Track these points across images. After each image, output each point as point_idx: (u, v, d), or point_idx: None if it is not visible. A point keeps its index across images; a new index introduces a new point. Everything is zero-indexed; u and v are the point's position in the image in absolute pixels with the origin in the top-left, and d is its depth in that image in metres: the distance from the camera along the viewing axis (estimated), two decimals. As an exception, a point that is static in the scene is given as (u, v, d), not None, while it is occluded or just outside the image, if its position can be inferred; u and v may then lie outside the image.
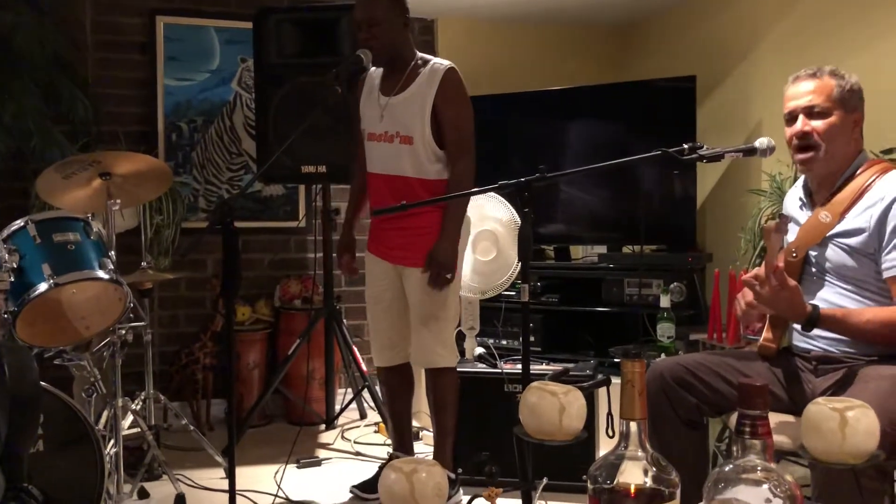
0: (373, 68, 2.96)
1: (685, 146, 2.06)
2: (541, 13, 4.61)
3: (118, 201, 2.89)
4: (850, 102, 2.15)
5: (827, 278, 2.18)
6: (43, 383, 2.37)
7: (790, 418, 2.10)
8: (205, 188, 4.26)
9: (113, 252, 2.75)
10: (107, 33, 4.09)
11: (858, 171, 2.15)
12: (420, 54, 2.93)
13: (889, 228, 2.04)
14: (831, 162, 2.16)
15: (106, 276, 2.60)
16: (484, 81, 4.12)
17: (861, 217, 2.09)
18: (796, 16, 3.61)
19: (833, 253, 2.15)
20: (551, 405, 1.30)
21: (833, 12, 3.41)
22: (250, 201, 4.34)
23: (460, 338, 3.24)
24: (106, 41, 4.09)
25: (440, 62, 2.88)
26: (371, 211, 2.96)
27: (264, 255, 4.39)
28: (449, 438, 2.93)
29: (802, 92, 2.17)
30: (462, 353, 3.29)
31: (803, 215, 2.27)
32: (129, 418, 3.06)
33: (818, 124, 2.14)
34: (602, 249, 4.19)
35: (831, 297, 2.15)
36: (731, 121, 3.97)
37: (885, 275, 2.05)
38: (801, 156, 2.17)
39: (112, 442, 2.82)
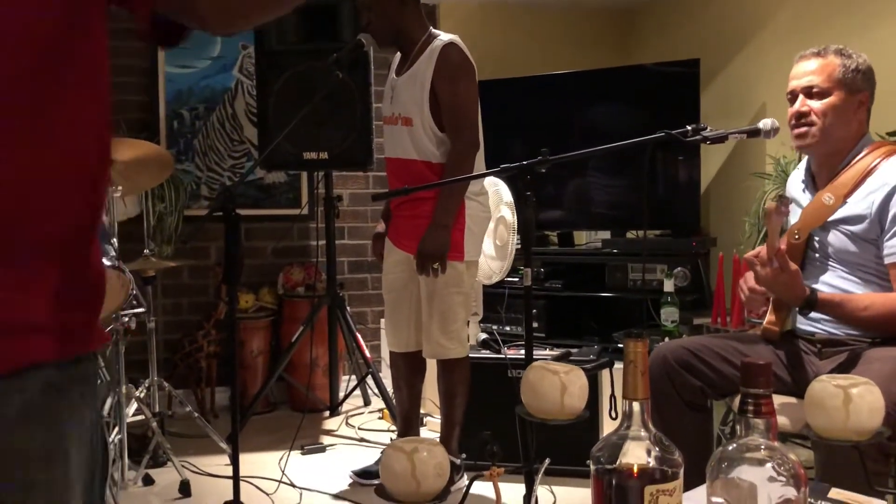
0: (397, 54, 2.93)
1: (689, 128, 2.04)
2: (543, -2, 4.59)
3: (120, 188, 2.89)
4: (854, 83, 2.13)
5: (829, 262, 2.17)
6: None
7: (793, 400, 2.09)
8: (207, 176, 4.26)
9: (115, 239, 2.75)
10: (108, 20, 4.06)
11: (862, 154, 2.14)
12: (434, 31, 2.85)
13: (890, 215, 2.03)
14: (828, 141, 2.15)
15: (108, 263, 2.60)
16: (487, 66, 4.09)
17: (863, 202, 2.08)
18: (800, -2, 3.58)
19: (835, 238, 2.14)
20: (553, 384, 1.29)
21: (838, -6, 3.38)
22: (252, 189, 4.33)
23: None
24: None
25: (443, 38, 2.79)
26: (372, 196, 2.94)
27: (267, 243, 4.39)
28: (455, 429, 2.92)
29: (803, 72, 2.17)
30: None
31: (805, 197, 2.26)
32: (134, 405, 3.06)
33: (816, 104, 2.14)
34: (606, 235, 4.17)
35: (833, 280, 2.14)
36: (735, 104, 3.95)
37: (887, 260, 2.04)
38: (797, 130, 2.16)
39: (116, 429, 2.83)
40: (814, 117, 2.13)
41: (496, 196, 3.32)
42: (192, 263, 4.12)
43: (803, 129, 2.15)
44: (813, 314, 2.14)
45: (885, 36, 3.13)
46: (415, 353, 2.98)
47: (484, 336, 3.41)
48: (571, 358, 3.07)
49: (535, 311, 2.67)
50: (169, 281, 4.17)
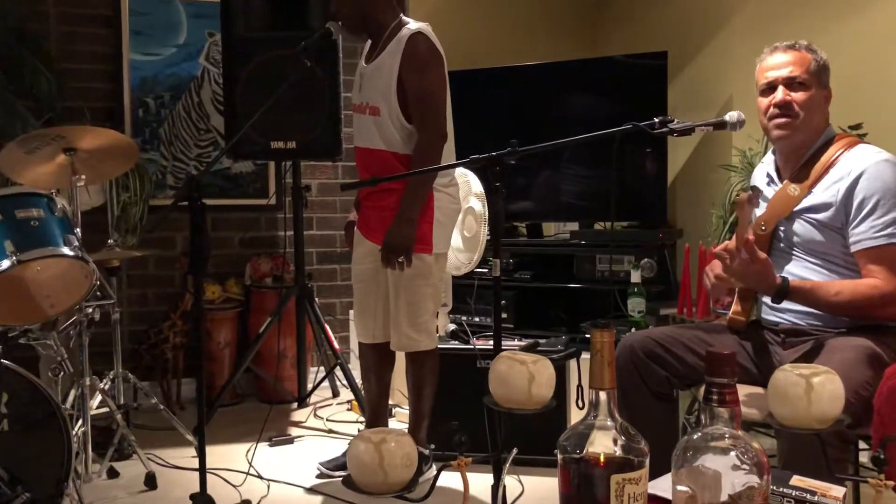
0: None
1: (656, 120, 2.05)
2: (513, -12, 4.59)
3: (83, 177, 2.83)
4: (822, 78, 2.18)
5: (795, 252, 2.20)
6: (7, 363, 2.34)
7: (759, 390, 2.12)
8: (172, 165, 4.20)
9: (78, 229, 2.70)
10: (70, 6, 3.98)
11: (825, 146, 2.17)
12: (404, 19, 2.81)
13: (856, 203, 2.06)
14: (806, 133, 2.18)
15: (71, 253, 2.56)
16: (456, 56, 4.08)
17: (829, 191, 2.11)
18: (767, -8, 3.62)
19: (801, 227, 2.17)
20: (520, 374, 1.30)
21: (803, -12, 3.43)
22: (219, 178, 4.28)
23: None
24: (70, 14, 3.99)
25: (411, 27, 2.75)
26: (340, 186, 2.91)
27: (234, 233, 4.35)
28: (424, 420, 2.92)
29: (781, 63, 2.18)
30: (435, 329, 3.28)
31: (771, 190, 2.28)
32: (98, 398, 3.02)
33: (798, 95, 2.15)
34: (574, 226, 4.20)
35: (799, 270, 2.17)
36: (702, 97, 3.99)
37: (853, 248, 2.07)
38: (780, 121, 2.16)
39: (80, 422, 2.79)
40: (797, 108, 2.15)
41: (465, 187, 3.31)
42: (157, 253, 4.07)
43: (785, 119, 2.16)
44: (779, 304, 2.17)
45: (851, 30, 3.18)
46: (383, 344, 2.97)
47: (453, 327, 3.41)
48: (539, 348, 3.09)
49: (503, 301, 2.68)
50: (134, 271, 4.11)
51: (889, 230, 2.02)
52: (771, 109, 2.18)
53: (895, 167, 2.07)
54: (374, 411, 3.08)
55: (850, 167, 2.09)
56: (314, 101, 3.50)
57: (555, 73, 4.17)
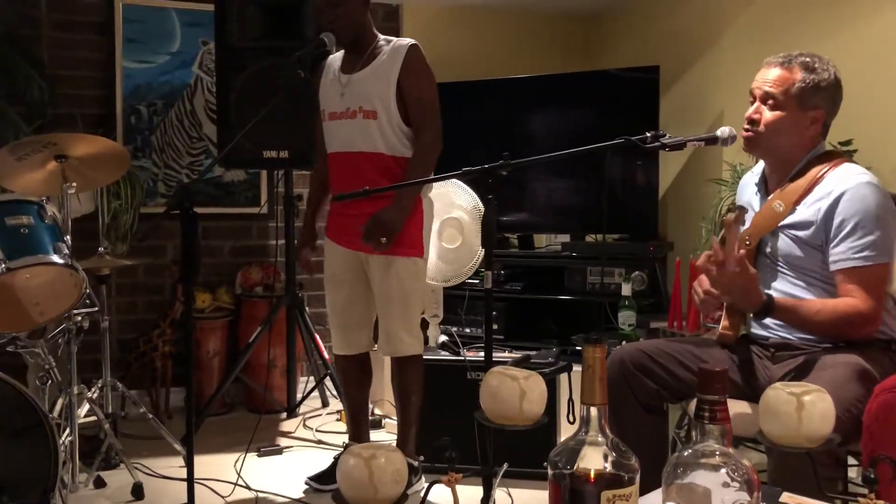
0: (331, 55, 2.94)
1: (648, 134, 2.07)
2: (506, 1, 4.60)
3: (74, 184, 2.82)
4: (809, 100, 2.14)
5: (778, 267, 2.21)
6: (-6, 370, 2.32)
7: (746, 404, 2.12)
8: (164, 173, 4.19)
9: (68, 237, 2.69)
10: (63, 12, 3.98)
11: (811, 163, 2.18)
12: (381, 35, 2.91)
13: (836, 223, 2.07)
14: (772, 152, 2.21)
15: (61, 261, 2.55)
16: (450, 69, 4.11)
17: (811, 209, 2.12)
18: (758, 8, 3.65)
19: (784, 243, 2.18)
20: (512, 390, 1.30)
21: (794, 5, 3.45)
22: (211, 187, 4.27)
23: (423, 326, 3.23)
24: (62, 20, 3.98)
25: (403, 40, 2.87)
26: (332, 196, 2.92)
27: (225, 242, 4.34)
28: (412, 429, 2.92)
29: (763, 79, 2.19)
30: (425, 340, 3.27)
31: (758, 201, 2.30)
32: (86, 406, 3.00)
33: (767, 114, 2.17)
34: (565, 238, 4.21)
35: (781, 285, 2.18)
36: (694, 111, 4.01)
37: (832, 267, 2.08)
38: (744, 134, 2.21)
39: (67, 430, 2.77)
40: (761, 127, 2.18)
41: (449, 198, 3.32)
42: (147, 262, 4.05)
43: (750, 134, 2.21)
44: (767, 319, 2.18)
45: (841, 46, 3.20)
46: (363, 355, 3.00)
47: (443, 338, 3.41)
48: (531, 361, 3.09)
49: (494, 313, 2.67)
50: (124, 279, 4.09)
51: (866, 252, 2.04)
52: (745, 122, 2.22)
53: (876, 189, 2.08)
54: (356, 423, 3.07)
55: (832, 187, 2.10)
56: (307, 111, 3.50)
57: (548, 86, 4.18)
